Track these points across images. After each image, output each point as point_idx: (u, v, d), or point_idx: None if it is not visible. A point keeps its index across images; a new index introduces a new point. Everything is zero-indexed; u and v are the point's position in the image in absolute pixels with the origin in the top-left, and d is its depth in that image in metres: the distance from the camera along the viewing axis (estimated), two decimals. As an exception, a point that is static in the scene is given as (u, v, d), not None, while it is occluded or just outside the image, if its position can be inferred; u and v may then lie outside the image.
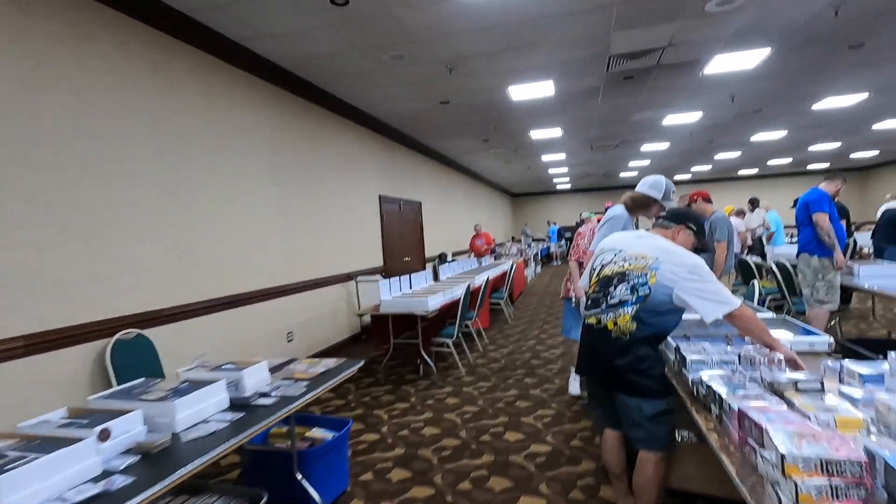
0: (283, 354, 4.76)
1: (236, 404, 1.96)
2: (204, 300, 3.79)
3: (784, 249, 6.70)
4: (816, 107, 7.83)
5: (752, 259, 6.37)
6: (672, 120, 8.17)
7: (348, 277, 6.15)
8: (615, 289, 1.99)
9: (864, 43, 5.06)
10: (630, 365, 1.91)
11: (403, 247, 8.14)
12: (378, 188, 7.32)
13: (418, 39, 4.33)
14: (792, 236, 9.33)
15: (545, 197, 21.49)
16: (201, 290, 3.79)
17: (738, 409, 1.32)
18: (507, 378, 4.47)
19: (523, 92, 6.09)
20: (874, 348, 2.27)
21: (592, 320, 2.06)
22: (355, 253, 6.48)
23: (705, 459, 2.04)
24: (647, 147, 10.90)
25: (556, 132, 8.70)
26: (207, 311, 3.82)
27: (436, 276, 6.35)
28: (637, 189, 2.80)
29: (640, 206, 2.81)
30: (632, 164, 13.67)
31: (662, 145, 10.73)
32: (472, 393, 4.12)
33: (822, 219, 4.20)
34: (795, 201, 9.51)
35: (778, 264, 5.11)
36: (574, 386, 3.96)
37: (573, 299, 3.79)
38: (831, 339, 2.25)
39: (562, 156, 11.58)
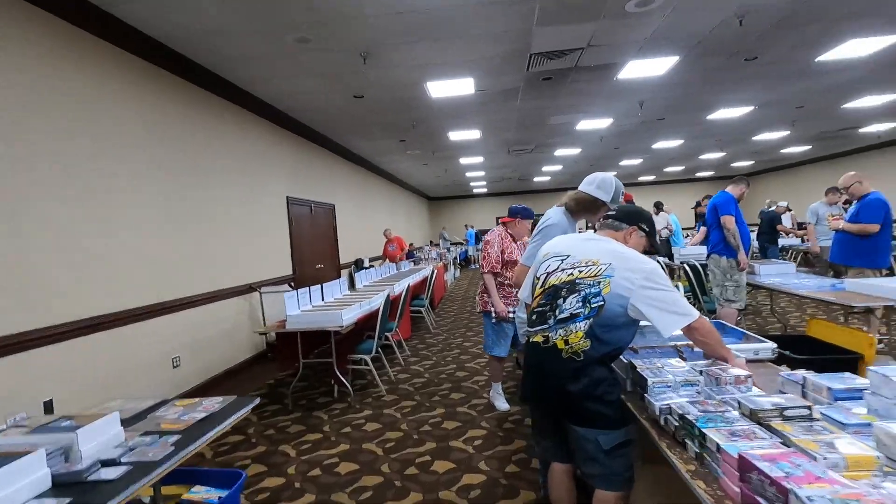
0: (166, 384, 4.02)
1: (63, 483, 1.39)
2: (51, 325, 3.00)
3: (690, 250, 7.04)
4: (711, 117, 8.42)
5: (663, 260, 6.60)
6: (585, 125, 8.35)
7: (251, 289, 5.44)
8: (564, 301, 1.70)
9: (758, 56, 5.39)
10: (585, 391, 1.62)
11: (316, 253, 7.49)
12: (287, 189, 6.64)
13: (327, 20, 3.85)
14: (687, 236, 10.00)
15: (463, 200, 21.57)
16: (47, 313, 2.99)
17: (739, 456, 1.06)
18: (431, 395, 4.10)
19: (442, 89, 5.79)
20: (790, 346, 2.22)
21: (539, 338, 1.75)
22: (259, 261, 5.77)
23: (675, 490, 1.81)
24: (560, 152, 11.16)
25: (474, 134, 8.54)
26: (57, 338, 3.03)
27: (352, 285, 5.84)
28: (581, 189, 2.45)
29: (584, 210, 2.46)
30: (545, 168, 14.03)
31: (574, 151, 11.05)
32: (394, 416, 3.70)
33: (729, 221, 4.35)
34: (698, 203, 10.10)
35: (688, 265, 5.28)
36: (500, 401, 3.69)
37: (493, 314, 3.52)
38: (775, 345, 2.14)
39: (479, 159, 11.52)
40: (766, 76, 6.18)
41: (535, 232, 2.61)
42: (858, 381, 1.51)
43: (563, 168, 14.04)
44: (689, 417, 1.32)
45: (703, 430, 1.24)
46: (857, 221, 4.32)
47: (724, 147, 12.10)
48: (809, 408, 1.27)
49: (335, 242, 8.49)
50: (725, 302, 4.42)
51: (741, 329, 2.46)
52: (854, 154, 13.74)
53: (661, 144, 11.00)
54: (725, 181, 4.83)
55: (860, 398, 1.47)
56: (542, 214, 2.65)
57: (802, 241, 8.50)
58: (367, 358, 4.13)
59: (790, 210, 10.93)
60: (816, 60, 5.61)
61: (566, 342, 1.66)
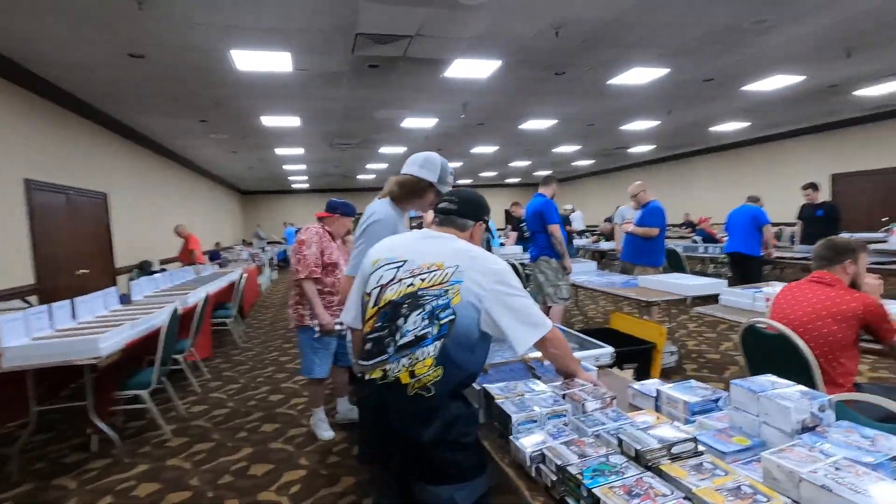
0: None
1: None
2: None
3: (509, 250, 7.43)
4: (522, 126, 9.10)
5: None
6: (411, 123, 8.21)
7: (-45, 307, 3.80)
8: (406, 320, 1.31)
9: (566, 71, 5.86)
10: (440, 436, 1.24)
11: (76, 255, 5.77)
12: (26, 170, 4.91)
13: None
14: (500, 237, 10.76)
15: (281, 196, 19.89)
16: None
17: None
18: (236, 431, 3.33)
19: (252, 61, 4.92)
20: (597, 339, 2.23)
21: (376, 374, 1.32)
22: (-27, 267, 4.08)
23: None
24: (385, 149, 10.92)
25: (293, 121, 7.68)
26: None
27: (128, 296, 4.56)
28: (404, 171, 2.07)
29: (411, 194, 2.07)
30: (370, 166, 13.68)
31: (400, 149, 10.92)
32: (180, 468, 2.85)
33: (556, 230, 4.54)
34: (513, 204, 10.70)
35: (510, 264, 5.45)
36: (323, 428, 3.15)
37: (315, 329, 2.99)
38: (612, 350, 2.09)
39: (299, 150, 10.56)
40: (570, 92, 6.82)
41: (357, 233, 2.11)
42: (709, 392, 1.43)
43: (389, 167, 13.88)
44: (572, 470, 1.03)
45: (593, 489, 0.96)
46: (642, 225, 4.93)
47: (529, 156, 13.40)
48: (695, 440, 1.09)
49: (108, 241, 6.72)
50: (560, 300, 4.61)
51: (574, 331, 2.40)
52: (625, 170, 16.65)
53: (479, 149, 11.60)
54: (531, 188, 5.18)
55: (715, 409, 1.41)
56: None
57: (597, 241, 9.78)
58: (145, 393, 3.14)
59: (576, 211, 12.72)
60: (608, 83, 6.36)
61: (412, 374, 1.26)
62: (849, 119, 9.67)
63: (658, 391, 1.50)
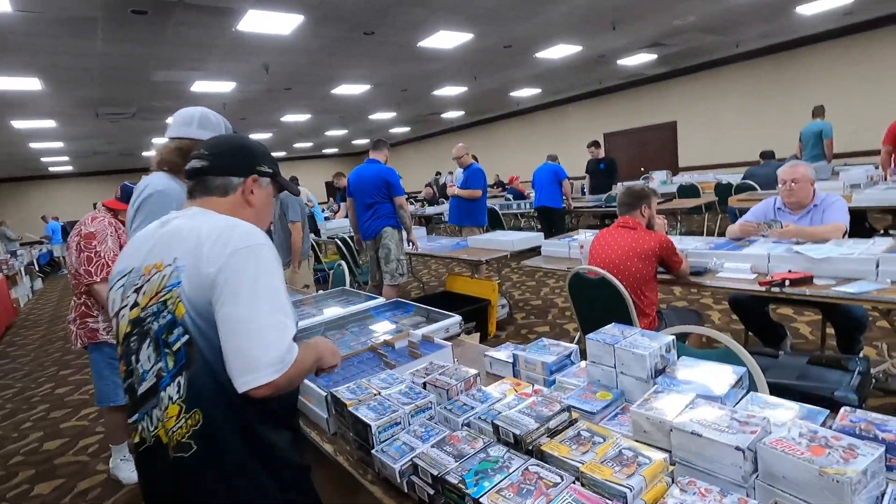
0: None
1: None
2: None
3: (335, 223, 7.03)
4: (334, 92, 8.59)
5: (311, 237, 6.31)
6: (204, 87, 7.05)
7: None
8: (138, 358, 0.94)
9: (375, 32, 5.59)
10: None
11: None
12: None
13: None
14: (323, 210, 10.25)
15: (35, 183, 15.68)
16: None
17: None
18: (-8, 504, 2.46)
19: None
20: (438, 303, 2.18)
21: (136, 439, 0.95)
22: None
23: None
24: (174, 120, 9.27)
25: (30, 83, 5.89)
26: None
27: None
28: (177, 134, 1.63)
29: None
30: (158, 140, 11.55)
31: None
32: None
33: (405, 202, 4.26)
34: (336, 175, 10.13)
35: (341, 239, 5.14)
36: (127, 470, 2.52)
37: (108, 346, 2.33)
38: (459, 318, 2.01)
39: (49, 123, 8.28)
40: (381, 55, 6.59)
41: (130, 217, 1.61)
42: (561, 349, 1.43)
43: (182, 140, 11.93)
44: (451, 479, 0.87)
45: (480, 497, 0.81)
46: (466, 188, 5.06)
47: (345, 124, 12.88)
48: (569, 409, 1.02)
49: None
50: (399, 276, 4.33)
51: (417, 303, 2.28)
52: (440, 135, 17.26)
53: (289, 118, 10.69)
54: (352, 158, 4.89)
55: (569, 364, 1.40)
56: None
57: (422, 207, 9.94)
58: None
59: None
60: (418, 45, 6.30)
61: (167, 433, 0.90)
62: (614, 86, 11.48)
63: (515, 356, 1.45)
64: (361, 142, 17.54)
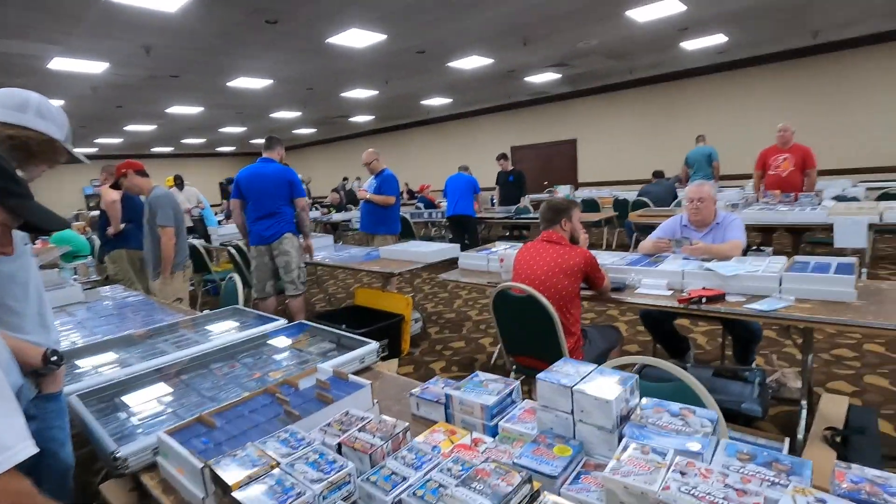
0: None
1: None
2: None
3: (228, 230, 6.34)
4: (231, 84, 7.82)
5: (198, 243, 5.59)
6: (64, 65, 5.98)
7: None
8: None
9: (279, 21, 5.11)
10: None
11: None
12: None
13: None
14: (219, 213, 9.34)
15: None
16: None
17: None
18: None
19: None
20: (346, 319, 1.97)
21: None
22: None
23: None
24: (28, 102, 7.83)
25: None
26: None
27: None
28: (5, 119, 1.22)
29: (32, 156, 1.26)
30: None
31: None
32: None
33: (306, 204, 3.87)
34: (229, 180, 9.30)
35: (235, 247, 4.58)
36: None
37: None
38: (377, 345, 1.74)
39: None
40: (285, 47, 6.08)
41: None
42: (501, 386, 1.23)
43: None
44: None
45: None
46: (379, 194, 4.77)
47: (243, 121, 11.90)
48: (530, 480, 0.81)
49: None
50: (302, 285, 3.89)
51: (332, 329, 1.97)
52: (348, 139, 16.67)
53: (177, 109, 9.57)
54: (250, 158, 4.44)
55: (510, 405, 1.21)
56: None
57: (328, 213, 9.41)
58: None
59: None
60: (327, 41, 5.90)
61: None
62: (522, 101, 11.88)
63: (448, 396, 1.22)
64: (261, 141, 16.37)
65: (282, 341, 1.88)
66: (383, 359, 1.82)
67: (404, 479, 0.87)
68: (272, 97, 9.18)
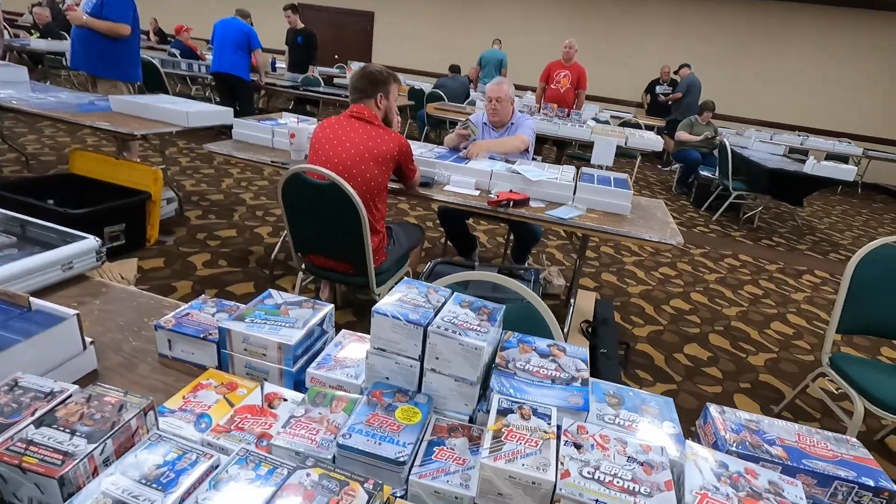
0: None
1: None
2: None
3: None
4: None
5: None
6: None
7: None
8: None
9: None
10: None
11: None
12: None
13: None
14: None
15: None
16: None
17: None
18: None
19: None
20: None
21: None
22: None
23: None
24: None
25: None
26: None
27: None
28: None
29: None
30: None
31: None
32: None
33: None
34: None
35: None
36: None
37: None
38: (98, 241, 1.12)
39: None
40: None
41: None
42: (305, 311, 0.86)
43: None
44: None
45: None
46: (100, 16, 3.31)
47: None
48: (375, 492, 0.51)
49: None
50: None
51: (15, 214, 1.22)
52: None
53: None
54: None
55: (322, 336, 0.86)
56: None
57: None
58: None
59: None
60: None
61: None
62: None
63: (223, 331, 0.80)
64: None
65: None
66: (117, 253, 1.21)
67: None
68: None
